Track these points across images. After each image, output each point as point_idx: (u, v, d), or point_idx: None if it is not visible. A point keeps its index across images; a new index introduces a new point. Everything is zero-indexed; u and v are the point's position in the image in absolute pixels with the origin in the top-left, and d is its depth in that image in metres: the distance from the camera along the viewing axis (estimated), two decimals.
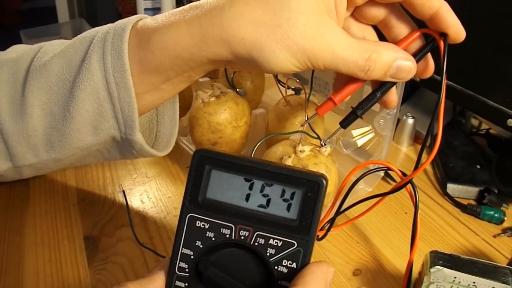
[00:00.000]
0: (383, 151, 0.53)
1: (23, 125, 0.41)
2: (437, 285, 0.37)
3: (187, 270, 0.27)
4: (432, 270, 0.37)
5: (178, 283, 0.27)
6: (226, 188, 0.27)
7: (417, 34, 0.36)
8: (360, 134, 0.56)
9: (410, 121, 0.65)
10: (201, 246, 0.27)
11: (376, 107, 0.43)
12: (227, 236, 0.27)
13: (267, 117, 0.57)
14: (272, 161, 0.35)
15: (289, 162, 0.43)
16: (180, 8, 0.38)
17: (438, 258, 0.37)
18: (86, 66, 0.39)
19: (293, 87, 0.55)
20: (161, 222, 0.50)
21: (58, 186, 0.55)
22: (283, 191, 0.27)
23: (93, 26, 0.43)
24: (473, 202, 0.55)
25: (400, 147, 0.66)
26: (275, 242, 0.26)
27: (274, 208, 0.27)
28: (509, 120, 0.52)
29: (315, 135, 0.46)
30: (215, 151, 0.28)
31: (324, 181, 0.26)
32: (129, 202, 0.52)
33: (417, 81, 0.59)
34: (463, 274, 0.36)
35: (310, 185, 0.26)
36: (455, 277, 0.36)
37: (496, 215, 0.52)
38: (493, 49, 0.53)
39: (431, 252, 0.39)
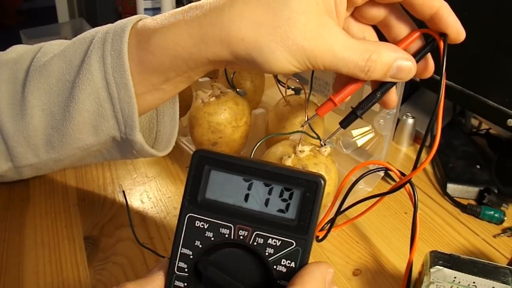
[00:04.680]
0: (383, 151, 0.53)
1: (23, 125, 0.41)
2: (437, 285, 0.37)
3: (186, 270, 0.27)
4: (432, 270, 0.37)
5: (177, 283, 0.28)
6: (225, 188, 0.27)
7: (417, 34, 0.36)
8: (360, 134, 0.56)
9: (410, 121, 0.65)
10: (200, 246, 0.27)
11: (376, 107, 0.43)
12: (226, 236, 0.27)
13: (267, 117, 0.57)
14: (271, 162, 0.35)
15: (289, 162, 0.43)
16: (180, 9, 0.38)
17: (438, 258, 0.37)
18: (86, 66, 0.39)
19: (293, 87, 0.55)
20: (161, 222, 0.50)
21: (58, 186, 0.55)
22: (282, 191, 0.27)
23: (93, 26, 0.43)
24: (473, 202, 0.55)
25: (400, 147, 0.66)
26: (274, 242, 0.26)
27: (273, 208, 0.27)
28: (509, 120, 0.52)
29: (315, 135, 0.46)
30: (215, 152, 0.28)
31: (322, 181, 0.26)
32: (129, 202, 0.52)
33: (417, 81, 0.59)
34: (463, 274, 0.36)
35: (309, 185, 0.26)
36: (455, 277, 0.36)
37: (496, 215, 0.52)
38: (493, 49, 0.53)
39: (431, 252, 0.39)
